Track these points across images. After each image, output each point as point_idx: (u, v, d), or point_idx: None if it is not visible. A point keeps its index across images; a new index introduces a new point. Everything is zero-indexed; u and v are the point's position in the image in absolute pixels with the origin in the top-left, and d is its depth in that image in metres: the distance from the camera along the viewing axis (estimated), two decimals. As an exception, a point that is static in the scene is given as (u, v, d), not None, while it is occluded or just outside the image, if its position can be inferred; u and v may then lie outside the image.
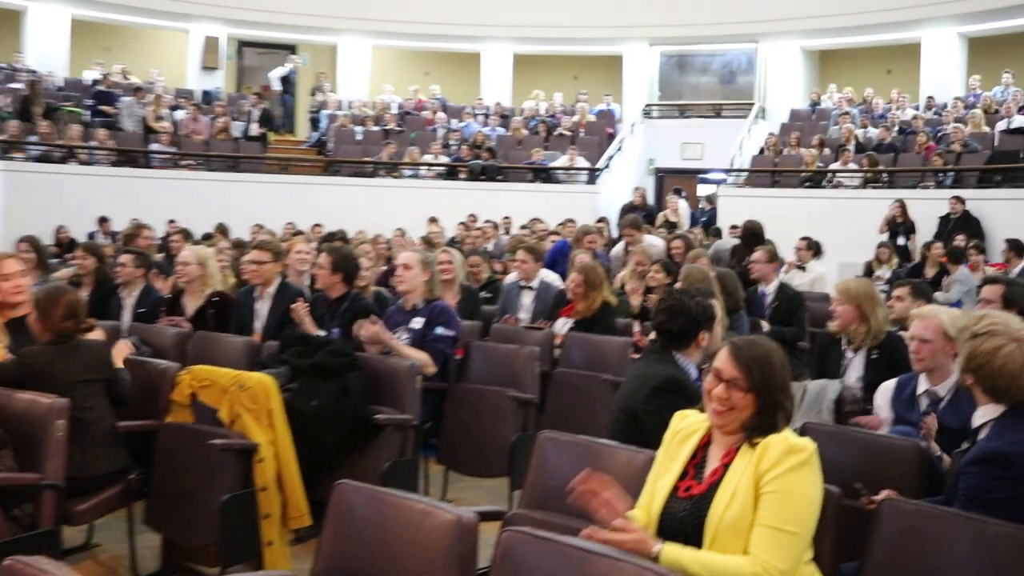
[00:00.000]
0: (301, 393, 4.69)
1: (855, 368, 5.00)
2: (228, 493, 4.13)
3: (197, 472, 4.27)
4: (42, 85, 17.49)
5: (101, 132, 16.83)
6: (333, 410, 4.73)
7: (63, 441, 3.92)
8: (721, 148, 18.06)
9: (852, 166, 15.91)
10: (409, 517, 2.74)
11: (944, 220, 13.93)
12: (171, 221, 12.81)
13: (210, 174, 17.23)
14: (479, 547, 2.69)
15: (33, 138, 16.30)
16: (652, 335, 4.05)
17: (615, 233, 13.74)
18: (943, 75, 18.42)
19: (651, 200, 18.35)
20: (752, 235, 9.12)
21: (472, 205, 15.45)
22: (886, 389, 4.30)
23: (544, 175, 18.07)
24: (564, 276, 7.76)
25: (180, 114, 18.29)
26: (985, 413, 3.19)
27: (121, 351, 4.66)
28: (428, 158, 18.30)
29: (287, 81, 20.68)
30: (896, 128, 17.08)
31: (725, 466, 2.73)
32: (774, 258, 7.68)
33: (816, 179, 16.21)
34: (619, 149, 19.05)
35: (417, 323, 5.63)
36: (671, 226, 14.38)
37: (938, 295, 8.87)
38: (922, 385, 4.16)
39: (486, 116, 20.20)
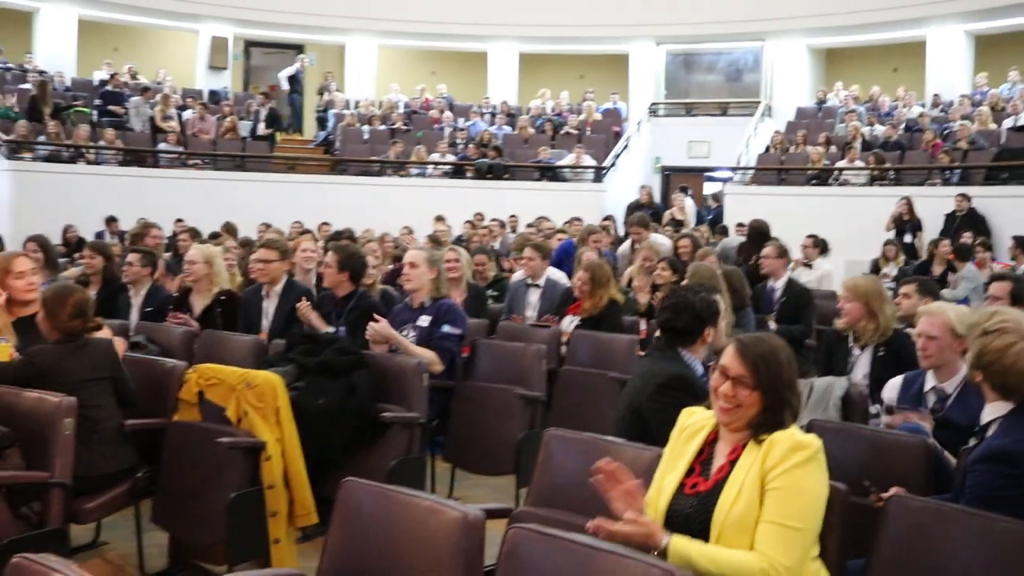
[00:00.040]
0: (308, 391, 4.70)
1: (862, 365, 5.00)
2: (235, 491, 4.14)
3: (204, 470, 4.28)
4: (51, 85, 17.53)
5: (109, 132, 16.87)
6: (340, 408, 4.74)
7: (71, 440, 3.93)
8: (727, 146, 18.05)
9: (858, 164, 15.88)
10: (416, 514, 2.75)
11: (950, 217, 13.90)
12: (179, 220, 12.82)
13: (217, 173, 17.27)
14: (486, 545, 2.70)
15: (41, 138, 16.35)
16: (657, 332, 4.05)
17: (621, 231, 13.74)
18: (949, 73, 18.38)
19: (657, 198, 18.33)
20: (759, 234, 9.12)
21: (479, 204, 15.46)
22: (893, 386, 4.29)
23: (550, 174, 18.07)
24: (570, 276, 7.77)
25: (188, 114, 18.32)
26: (993, 410, 3.18)
27: (118, 348, 4.67)
28: (435, 157, 18.31)
29: (295, 80, 20.71)
30: (902, 126, 17.06)
31: (731, 463, 2.73)
32: (784, 254, 7.69)
33: (822, 177, 16.19)
34: (625, 147, 19.05)
35: (424, 321, 5.64)
36: (677, 224, 14.38)
37: (945, 292, 8.85)
38: (929, 382, 4.16)
39: (492, 115, 20.21)
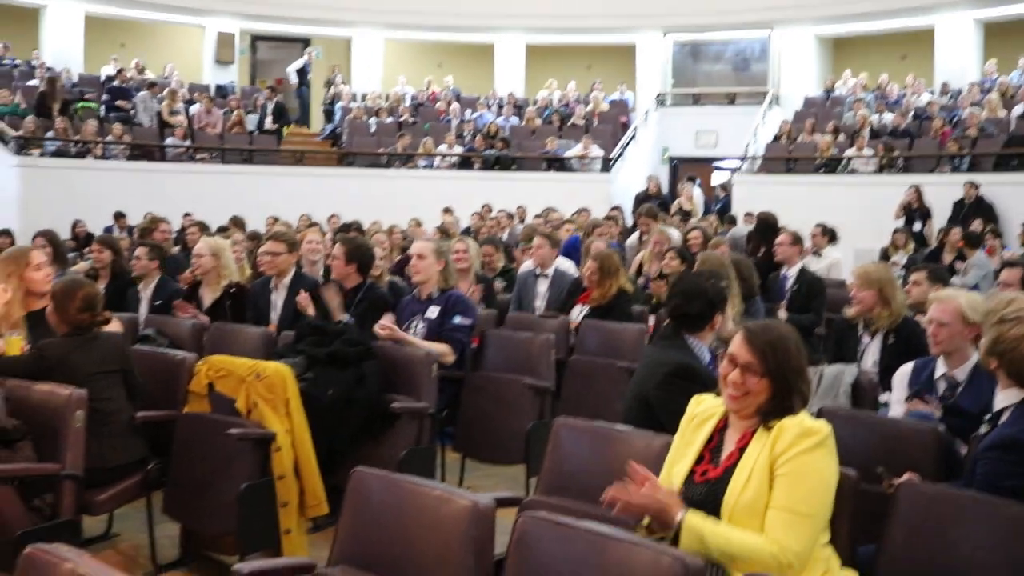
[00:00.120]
0: (317, 382, 4.71)
1: (872, 353, 4.99)
2: (246, 482, 4.15)
3: (215, 461, 4.30)
4: (60, 82, 17.57)
5: (117, 127, 16.90)
6: (349, 399, 4.76)
7: (82, 432, 3.95)
8: (735, 136, 18.00)
9: (867, 152, 15.84)
10: (426, 503, 2.76)
11: (958, 205, 13.86)
12: (187, 214, 12.84)
13: (225, 167, 17.30)
14: (496, 533, 2.70)
15: (49, 134, 16.39)
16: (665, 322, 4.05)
17: (629, 222, 13.73)
18: (958, 60, 18.27)
19: (665, 189, 18.30)
20: (767, 226, 9.08)
21: (486, 195, 15.44)
22: (903, 373, 4.28)
23: (558, 164, 18.06)
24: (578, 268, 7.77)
25: (195, 108, 18.35)
26: (1006, 397, 3.18)
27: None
28: (442, 149, 18.31)
29: (303, 74, 20.71)
30: (911, 114, 16.99)
31: (741, 450, 2.73)
32: (798, 242, 7.69)
33: (831, 165, 16.15)
34: (633, 138, 19.02)
35: (433, 312, 5.64)
36: (685, 214, 14.35)
37: (955, 280, 8.82)
38: (940, 369, 4.14)
39: (500, 106, 20.18)
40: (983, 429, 3.50)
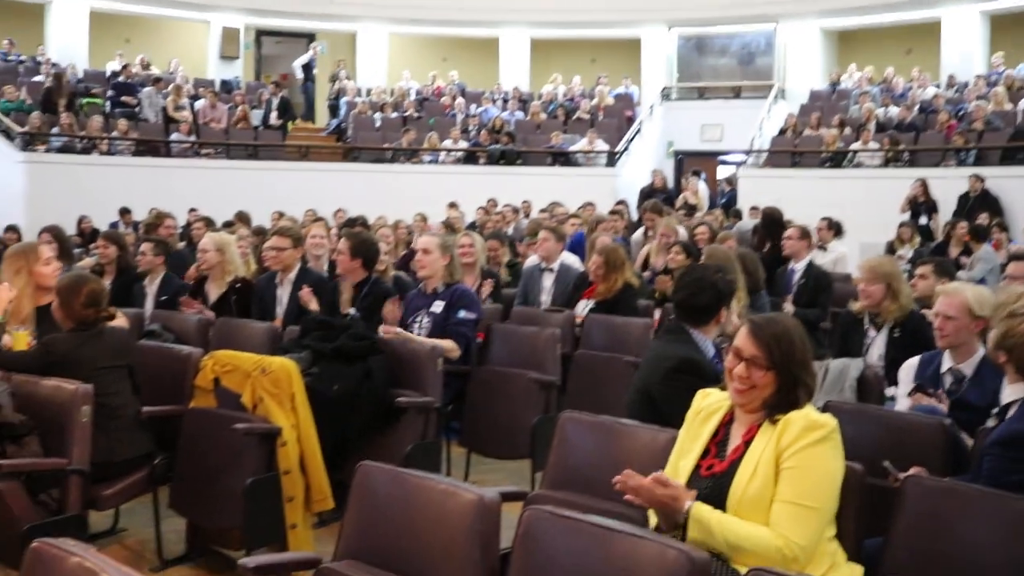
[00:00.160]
0: (323, 377, 4.72)
1: (877, 346, 4.98)
2: (252, 477, 4.15)
3: (221, 456, 4.30)
4: (66, 77, 17.59)
5: (122, 123, 16.92)
6: (355, 393, 4.76)
7: (88, 427, 3.96)
8: (741, 130, 17.97)
9: (873, 146, 15.80)
10: (432, 497, 2.76)
11: (963, 198, 13.81)
12: (192, 209, 12.85)
13: (230, 162, 17.31)
14: (502, 528, 2.70)
15: (55, 129, 16.41)
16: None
17: (635, 216, 13.70)
18: (964, 53, 18.21)
19: (671, 183, 18.27)
20: (772, 221, 9.07)
21: (492, 190, 15.43)
22: (910, 367, 4.27)
23: (563, 159, 18.05)
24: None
25: (200, 103, 18.35)
26: (1014, 392, 3.18)
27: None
28: (447, 143, 18.31)
29: (308, 69, 20.70)
30: (917, 107, 16.94)
31: (746, 443, 2.73)
32: (806, 235, 7.67)
33: (836, 159, 16.12)
34: (638, 132, 19.00)
35: (438, 307, 5.64)
36: (691, 208, 14.34)
37: (961, 274, 8.80)
38: (946, 363, 4.13)
39: (505, 101, 20.17)
40: (990, 423, 3.49)
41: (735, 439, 2.78)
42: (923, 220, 13.58)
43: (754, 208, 13.38)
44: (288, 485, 4.29)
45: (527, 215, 14.10)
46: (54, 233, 7.03)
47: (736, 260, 5.85)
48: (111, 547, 4.67)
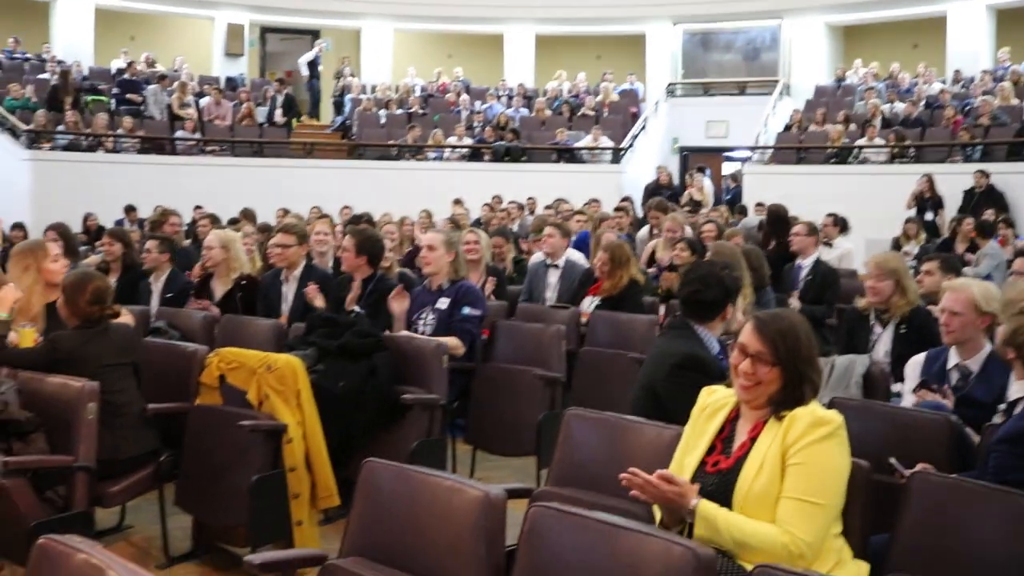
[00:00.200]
0: (328, 374, 4.72)
1: (883, 343, 4.97)
2: (257, 474, 4.16)
3: (226, 453, 4.31)
4: (73, 75, 17.62)
5: (127, 120, 16.94)
6: (360, 390, 4.76)
7: (94, 424, 3.97)
8: (746, 126, 17.94)
9: (878, 141, 15.77)
10: (437, 494, 2.76)
11: (968, 194, 13.78)
12: (197, 207, 12.86)
13: (235, 160, 17.32)
14: (507, 524, 2.70)
15: (60, 127, 16.43)
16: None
17: (640, 213, 13.68)
18: (970, 48, 18.16)
19: (676, 179, 18.24)
20: (777, 218, 9.05)
21: (497, 186, 15.42)
22: (916, 363, 4.26)
23: (568, 155, 18.04)
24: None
25: (205, 101, 18.37)
26: (1022, 388, 3.17)
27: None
28: (452, 140, 18.30)
29: (313, 66, 20.70)
30: (923, 102, 16.91)
31: (752, 440, 2.72)
32: (813, 232, 7.67)
33: (842, 155, 16.09)
34: (643, 128, 18.97)
35: (443, 303, 5.64)
36: (696, 204, 14.32)
37: (967, 270, 8.78)
38: (952, 359, 4.12)
39: (509, 97, 20.15)
40: (997, 419, 3.49)
41: (741, 435, 2.77)
42: (929, 216, 13.56)
43: (759, 204, 13.36)
44: (294, 482, 4.29)
45: (532, 212, 14.10)
46: (60, 231, 7.05)
47: (741, 257, 5.84)
48: (117, 544, 4.68)
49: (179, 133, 17.34)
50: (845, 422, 2.70)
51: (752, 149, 17.46)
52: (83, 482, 3.93)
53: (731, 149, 19.32)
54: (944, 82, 17.70)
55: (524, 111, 19.67)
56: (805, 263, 7.45)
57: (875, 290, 4.98)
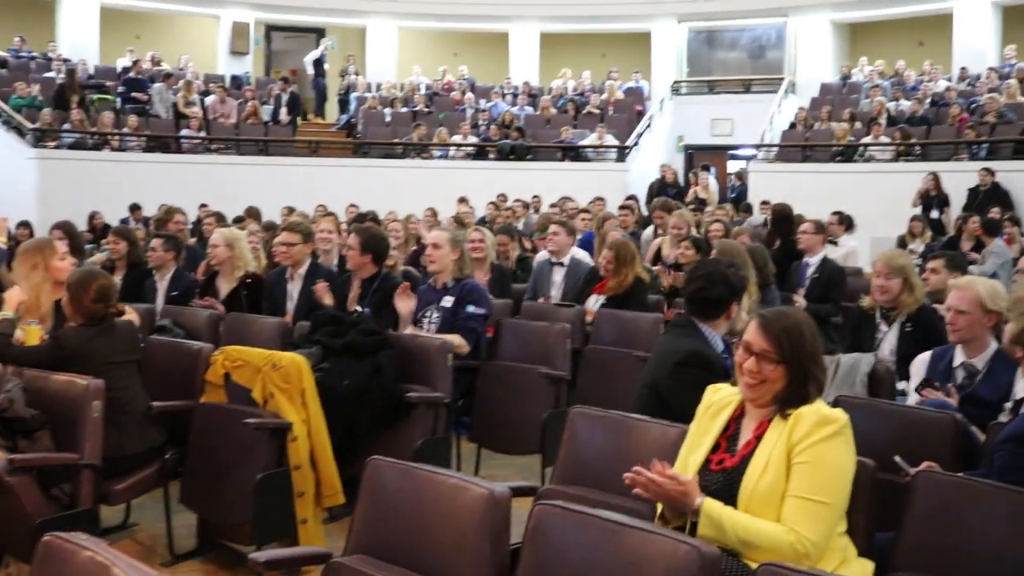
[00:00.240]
0: (333, 372, 4.72)
1: (889, 341, 4.96)
2: (262, 472, 4.17)
3: (231, 451, 4.31)
4: (79, 74, 17.65)
5: (133, 119, 16.96)
6: (365, 389, 4.76)
7: (100, 422, 3.97)
8: (751, 124, 17.91)
9: (884, 139, 15.74)
10: (442, 492, 2.76)
11: (973, 192, 13.74)
12: (203, 205, 12.88)
13: (240, 158, 17.34)
14: (512, 523, 2.70)
15: (66, 126, 16.45)
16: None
17: (645, 211, 13.67)
18: (976, 45, 18.11)
19: (681, 178, 18.21)
20: (782, 217, 9.05)
21: (502, 185, 15.42)
22: (921, 361, 4.25)
23: (573, 154, 18.02)
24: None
25: (210, 99, 18.38)
26: (1027, 386, 3.16)
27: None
28: (457, 138, 18.30)
29: (319, 64, 20.71)
30: (928, 100, 16.87)
31: (757, 438, 2.72)
32: (821, 230, 7.66)
33: (847, 153, 16.06)
34: (648, 126, 18.94)
35: (447, 302, 5.65)
36: (701, 203, 14.30)
37: (973, 268, 8.76)
38: (958, 357, 4.11)
39: (514, 95, 20.14)
40: (1003, 417, 3.48)
41: (746, 434, 2.77)
42: (935, 214, 13.52)
43: (764, 203, 13.34)
44: (298, 480, 4.29)
45: (537, 210, 14.09)
46: (65, 229, 7.05)
47: (747, 255, 5.84)
48: (122, 542, 4.69)
49: (184, 132, 17.36)
50: (850, 421, 2.69)
51: (757, 147, 17.43)
52: (88, 480, 3.94)
53: (736, 147, 19.28)
54: (950, 80, 17.66)
55: (529, 109, 19.67)
56: (812, 261, 7.44)
57: (884, 288, 4.95)
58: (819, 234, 7.58)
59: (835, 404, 3.12)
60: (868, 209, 12.54)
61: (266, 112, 18.61)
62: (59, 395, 4.00)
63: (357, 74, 20.76)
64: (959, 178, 13.90)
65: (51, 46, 19.15)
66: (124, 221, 14.00)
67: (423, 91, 20.35)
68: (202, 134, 17.42)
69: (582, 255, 7.78)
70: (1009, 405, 3.69)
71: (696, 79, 20.69)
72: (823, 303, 7.02)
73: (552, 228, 7.62)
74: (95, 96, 17.60)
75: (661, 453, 3.01)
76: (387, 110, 19.51)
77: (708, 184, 15.91)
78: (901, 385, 4.54)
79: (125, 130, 16.83)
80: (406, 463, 2.94)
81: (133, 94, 17.85)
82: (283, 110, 18.67)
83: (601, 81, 20.40)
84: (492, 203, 14.10)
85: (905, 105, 16.82)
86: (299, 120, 19.39)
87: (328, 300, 5.77)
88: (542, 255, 7.88)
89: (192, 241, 9.51)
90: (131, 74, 18.37)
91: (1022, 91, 15.93)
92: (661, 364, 3.73)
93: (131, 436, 4.24)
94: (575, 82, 20.60)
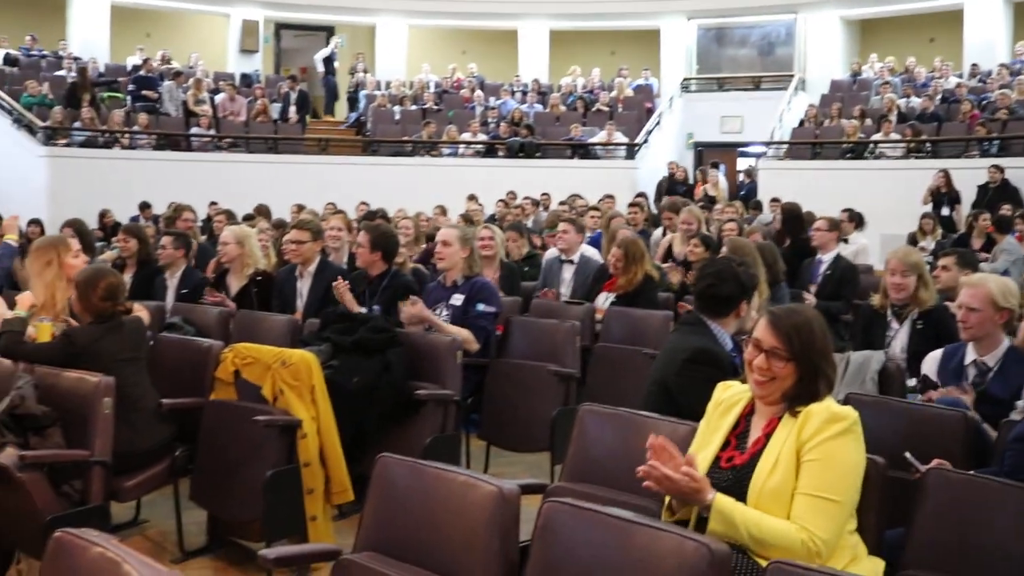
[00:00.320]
0: (342, 370, 4.73)
1: (900, 339, 4.94)
2: (272, 469, 4.18)
3: (241, 448, 4.32)
4: (90, 73, 17.70)
5: (143, 117, 17.00)
6: (374, 386, 4.77)
7: (110, 418, 3.98)
8: (761, 121, 17.87)
9: (894, 136, 15.69)
10: (451, 489, 2.76)
11: (983, 189, 13.68)
12: (213, 203, 12.91)
13: (250, 156, 17.38)
14: (521, 520, 2.70)
15: (77, 124, 16.51)
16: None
17: (655, 209, 13.65)
18: (988, 42, 18.02)
19: (690, 175, 18.20)
20: (792, 216, 9.03)
21: (511, 182, 15.42)
22: (933, 359, 4.24)
23: (582, 151, 18.02)
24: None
25: (220, 97, 18.42)
26: (1040, 385, 3.15)
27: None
28: (466, 136, 18.30)
29: (329, 62, 20.73)
30: (939, 97, 16.80)
31: (767, 436, 2.71)
32: (834, 227, 7.65)
33: (858, 150, 16.01)
34: (658, 124, 18.92)
35: (457, 299, 5.65)
36: (710, 200, 14.28)
37: (984, 266, 8.73)
38: (970, 355, 4.10)
39: (524, 93, 20.12)
40: (1015, 415, 3.47)
41: (755, 431, 2.76)
42: (945, 211, 13.47)
43: (774, 200, 13.30)
44: (308, 477, 4.30)
45: (546, 208, 14.09)
46: (76, 227, 7.08)
47: (757, 253, 5.83)
48: (133, 538, 4.71)
49: (194, 129, 17.40)
50: (860, 418, 2.68)
51: (767, 144, 17.39)
52: (99, 476, 3.95)
53: (746, 144, 19.24)
54: (961, 76, 17.59)
55: (538, 107, 19.66)
56: (825, 258, 7.43)
57: (901, 286, 4.93)
58: (833, 231, 7.57)
59: (845, 402, 3.11)
60: (878, 206, 12.50)
61: (276, 110, 18.64)
62: (70, 392, 4.02)
63: (366, 72, 20.77)
64: (970, 175, 13.84)
65: (62, 44, 19.21)
66: (134, 219, 14.02)
67: (433, 89, 20.36)
68: (212, 132, 17.46)
69: (592, 252, 7.78)
70: (1021, 403, 3.68)
71: (705, 76, 20.65)
72: (835, 300, 7.00)
73: (561, 226, 7.62)
74: (105, 94, 17.65)
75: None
76: (397, 108, 19.53)
77: (717, 181, 15.88)
78: (912, 382, 4.53)
79: (135, 128, 16.87)
80: (415, 460, 2.94)
81: (143, 92, 17.88)
82: (292, 108, 18.70)
83: (610, 78, 20.37)
84: (501, 200, 14.10)
85: (916, 102, 16.76)
86: (309, 118, 19.41)
87: (349, 298, 5.73)
88: (552, 252, 7.88)
89: (203, 239, 9.53)
90: (141, 72, 18.40)
91: (1034, 87, 15.85)
92: (670, 361, 3.73)
93: (141, 433, 4.26)
94: (584, 79, 20.58)
